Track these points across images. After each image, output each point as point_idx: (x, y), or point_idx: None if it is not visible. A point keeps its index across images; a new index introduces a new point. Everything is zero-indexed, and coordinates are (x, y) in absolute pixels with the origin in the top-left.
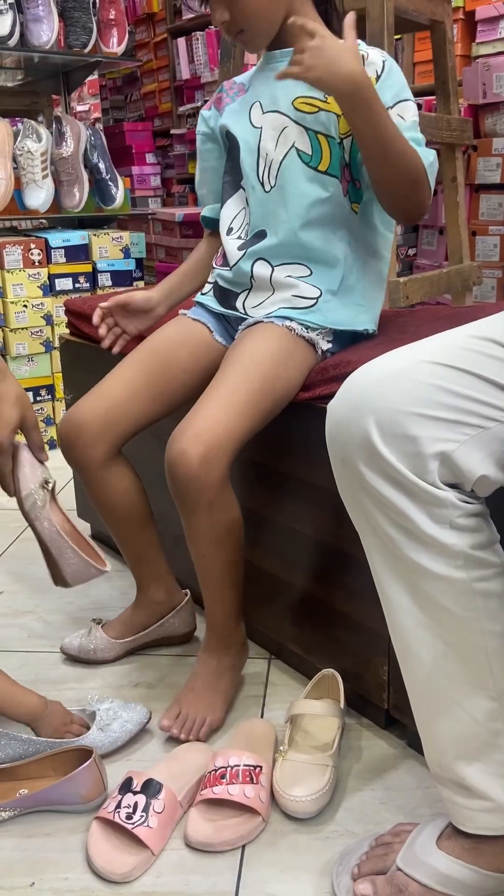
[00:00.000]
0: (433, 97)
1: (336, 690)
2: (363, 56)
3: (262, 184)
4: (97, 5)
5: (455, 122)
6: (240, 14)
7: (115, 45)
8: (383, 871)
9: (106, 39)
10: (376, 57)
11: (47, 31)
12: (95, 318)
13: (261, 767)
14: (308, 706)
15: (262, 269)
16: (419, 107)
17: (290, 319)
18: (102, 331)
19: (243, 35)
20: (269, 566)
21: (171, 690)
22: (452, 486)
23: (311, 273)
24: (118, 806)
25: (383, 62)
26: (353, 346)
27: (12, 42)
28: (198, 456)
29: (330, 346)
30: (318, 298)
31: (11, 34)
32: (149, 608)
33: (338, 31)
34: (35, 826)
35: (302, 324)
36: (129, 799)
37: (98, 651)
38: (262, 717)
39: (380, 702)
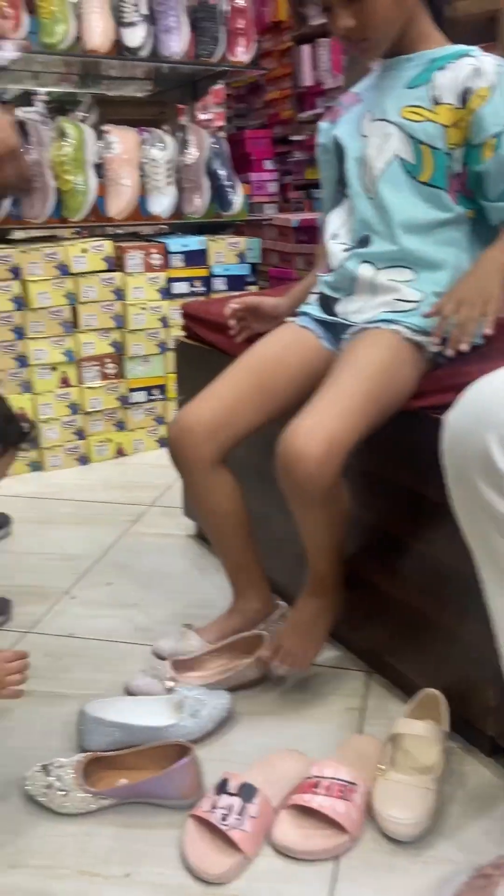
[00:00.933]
0: None
1: (438, 712)
2: (476, 68)
3: (367, 191)
4: (226, 17)
5: None
6: (367, 20)
7: (242, 55)
8: None
9: (233, 49)
10: (489, 63)
11: (177, 42)
12: (227, 312)
13: (356, 785)
14: (411, 726)
15: (366, 271)
16: None
17: (396, 323)
18: (232, 323)
19: (366, 42)
20: (374, 577)
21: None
22: None
23: (415, 277)
24: (214, 806)
25: (498, 68)
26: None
27: (144, 53)
28: (315, 456)
29: (437, 350)
30: (420, 301)
31: (143, 45)
32: (243, 614)
33: (448, 34)
34: (133, 817)
35: (408, 327)
36: (225, 800)
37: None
38: (360, 731)
39: (484, 727)
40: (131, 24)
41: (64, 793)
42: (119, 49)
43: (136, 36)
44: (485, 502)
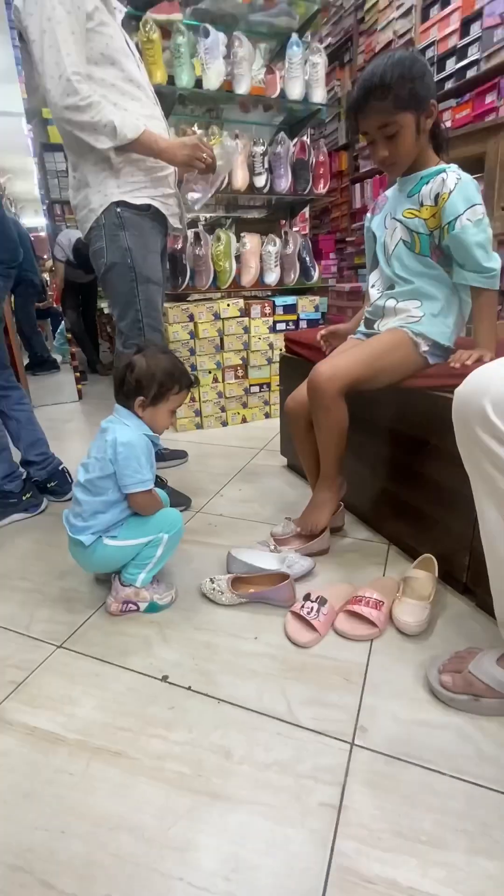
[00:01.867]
0: None
1: (433, 566)
2: (444, 179)
3: (388, 260)
4: (313, 166)
5: None
6: (395, 152)
7: (321, 188)
8: (459, 671)
9: (316, 184)
10: (452, 178)
11: (285, 183)
12: (318, 336)
13: (383, 602)
14: (416, 573)
15: (391, 303)
16: None
17: (405, 327)
18: (323, 343)
19: (393, 167)
20: (398, 489)
21: (324, 557)
22: None
23: (420, 304)
24: (302, 607)
25: (456, 181)
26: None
27: (265, 190)
28: (324, 377)
29: (427, 349)
30: (422, 317)
31: (265, 186)
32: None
33: (447, 153)
34: (258, 609)
35: (412, 330)
36: (309, 605)
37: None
38: (384, 575)
39: (460, 577)
40: (259, 174)
41: (221, 592)
42: (251, 188)
43: (261, 180)
44: (481, 442)
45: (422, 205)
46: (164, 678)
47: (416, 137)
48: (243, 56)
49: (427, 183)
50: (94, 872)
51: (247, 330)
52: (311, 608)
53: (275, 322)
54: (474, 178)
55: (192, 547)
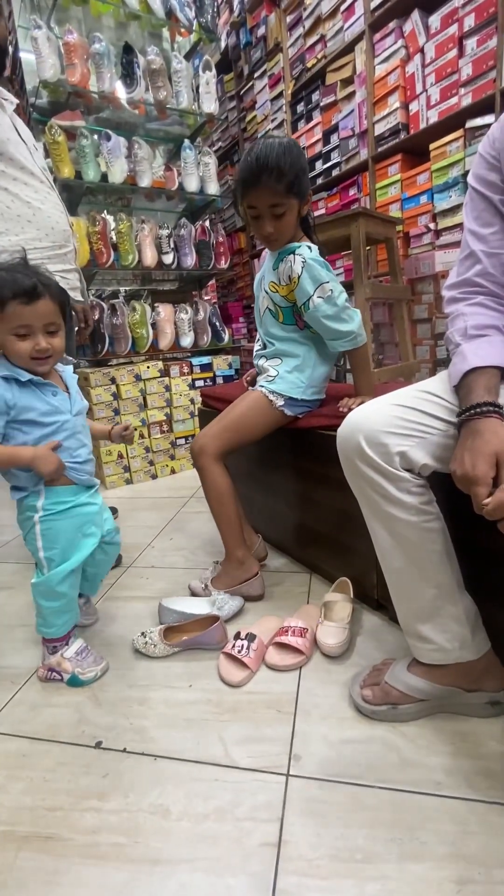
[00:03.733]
0: (388, 276)
1: (348, 588)
2: (292, 261)
3: (261, 321)
4: (214, 246)
5: (401, 289)
6: (279, 230)
7: (223, 264)
8: (377, 684)
9: (218, 261)
10: (298, 261)
11: (190, 260)
12: (245, 382)
13: (307, 629)
14: (333, 596)
15: (261, 361)
16: (380, 282)
17: (262, 387)
18: (248, 386)
19: (275, 242)
20: (310, 522)
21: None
22: (408, 470)
23: (280, 362)
24: (233, 646)
25: (302, 264)
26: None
27: (173, 266)
28: (197, 446)
29: (283, 404)
30: (276, 377)
31: (173, 263)
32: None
33: (316, 235)
34: (192, 655)
35: (266, 389)
36: (239, 643)
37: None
38: (307, 602)
39: (372, 595)
40: (166, 253)
41: (154, 644)
42: (160, 265)
43: (168, 258)
44: (362, 471)
45: (280, 281)
46: (98, 745)
47: (297, 220)
48: (143, 156)
49: (282, 260)
50: None
51: (168, 388)
52: (242, 646)
53: (193, 380)
54: (343, 254)
55: (126, 603)
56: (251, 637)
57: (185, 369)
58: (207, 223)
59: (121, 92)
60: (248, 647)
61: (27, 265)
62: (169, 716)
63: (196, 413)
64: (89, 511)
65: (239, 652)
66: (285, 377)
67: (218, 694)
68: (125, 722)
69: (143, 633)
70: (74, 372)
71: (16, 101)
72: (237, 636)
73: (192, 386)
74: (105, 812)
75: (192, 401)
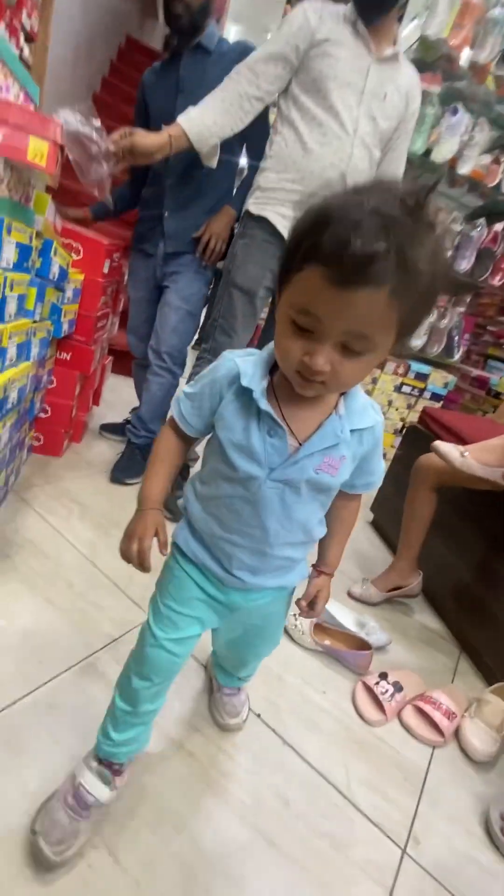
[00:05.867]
0: None
1: None
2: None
3: None
4: (498, 258)
5: None
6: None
7: (498, 281)
8: None
9: (493, 276)
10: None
11: (466, 264)
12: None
13: (456, 715)
14: (491, 697)
15: None
16: None
17: None
18: None
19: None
20: (489, 600)
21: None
22: None
23: None
24: (377, 684)
25: None
26: None
27: None
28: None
29: None
30: None
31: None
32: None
33: None
34: (330, 662)
35: None
36: (385, 685)
37: None
38: (452, 682)
39: None
40: (446, 248)
41: (302, 633)
42: None
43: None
44: None
45: None
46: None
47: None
48: (478, 141)
49: None
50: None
51: (374, 380)
52: (387, 690)
53: (402, 383)
54: None
55: None
56: (398, 687)
57: (401, 370)
58: (502, 231)
59: (494, 67)
60: (392, 695)
61: None
62: (302, 710)
63: (386, 415)
64: None
65: (382, 694)
66: None
67: (349, 719)
68: (264, 688)
69: (295, 615)
70: None
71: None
72: (383, 676)
73: (398, 389)
74: (236, 763)
75: (389, 402)
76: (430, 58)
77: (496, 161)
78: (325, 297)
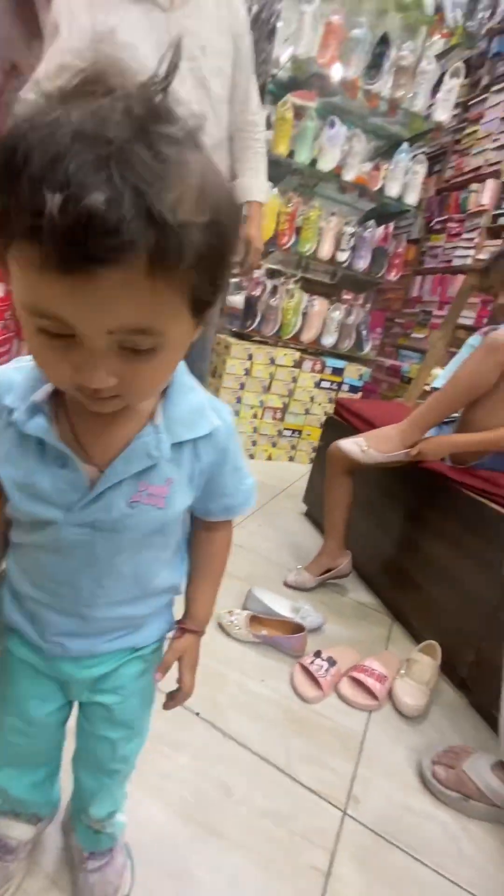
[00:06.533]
0: None
1: (436, 655)
2: None
3: None
4: (391, 255)
5: None
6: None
7: (393, 276)
8: (452, 767)
9: (389, 271)
10: None
11: (363, 264)
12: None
13: (387, 678)
14: (420, 657)
15: None
16: None
17: None
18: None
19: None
20: (413, 571)
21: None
22: None
23: None
24: (312, 662)
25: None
26: None
27: (345, 265)
28: None
29: None
30: None
31: (346, 261)
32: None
33: None
34: (267, 651)
35: None
36: (319, 662)
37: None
38: (386, 649)
39: (460, 673)
40: (343, 250)
41: (238, 627)
42: (333, 260)
43: (344, 255)
44: None
45: None
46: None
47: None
48: (358, 150)
49: None
50: None
51: (295, 380)
52: (322, 666)
53: (321, 379)
54: None
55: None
56: (332, 661)
57: (318, 367)
58: (392, 230)
59: (361, 82)
60: (326, 670)
61: None
62: (242, 702)
63: (312, 412)
64: None
65: (318, 671)
66: None
67: (287, 701)
68: (204, 689)
69: (230, 612)
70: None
71: None
72: (318, 654)
73: (318, 385)
74: (175, 762)
75: (311, 398)
76: (302, 76)
77: (376, 168)
78: (55, 290)
